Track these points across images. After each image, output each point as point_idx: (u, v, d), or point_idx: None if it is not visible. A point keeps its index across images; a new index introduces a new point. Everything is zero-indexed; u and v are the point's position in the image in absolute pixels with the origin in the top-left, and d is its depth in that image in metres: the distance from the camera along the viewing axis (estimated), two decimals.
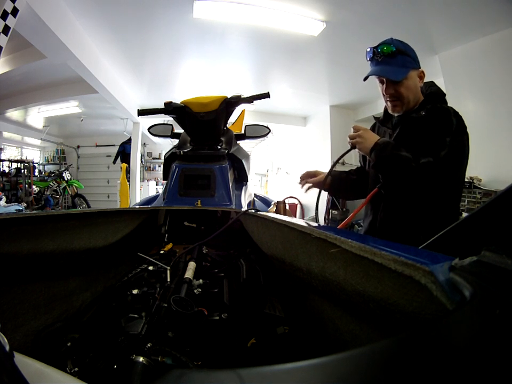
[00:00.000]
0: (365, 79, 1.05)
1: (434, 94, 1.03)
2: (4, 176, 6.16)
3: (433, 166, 0.87)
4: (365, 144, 0.97)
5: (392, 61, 0.97)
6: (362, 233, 1.17)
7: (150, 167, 8.37)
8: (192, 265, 0.74)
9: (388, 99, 1.03)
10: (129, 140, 6.23)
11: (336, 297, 0.43)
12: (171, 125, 1.41)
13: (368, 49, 1.02)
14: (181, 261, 0.80)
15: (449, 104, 1.02)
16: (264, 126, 1.43)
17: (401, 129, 1.03)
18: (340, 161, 1.16)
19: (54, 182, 6.70)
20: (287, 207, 1.24)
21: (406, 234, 0.95)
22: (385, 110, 1.12)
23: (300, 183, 1.21)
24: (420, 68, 1.02)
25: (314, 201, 1.19)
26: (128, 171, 5.54)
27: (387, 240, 0.43)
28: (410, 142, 0.97)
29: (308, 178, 1.19)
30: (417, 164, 0.87)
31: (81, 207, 6.62)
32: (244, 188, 1.24)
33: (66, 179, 6.67)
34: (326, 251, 0.43)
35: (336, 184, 1.21)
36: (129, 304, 0.62)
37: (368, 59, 1.03)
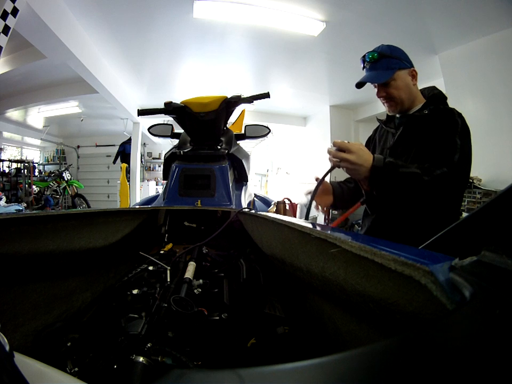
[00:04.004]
0: (357, 86, 1.07)
1: (436, 96, 1.04)
2: (4, 176, 6.16)
3: (449, 176, 0.84)
4: (358, 170, 0.84)
5: (377, 65, 1.00)
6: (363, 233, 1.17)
7: (150, 167, 8.37)
8: (192, 265, 0.74)
9: (382, 101, 1.06)
10: (129, 140, 6.23)
11: (336, 297, 0.43)
12: (171, 125, 1.41)
13: (360, 60, 1.06)
14: (181, 261, 0.80)
15: (449, 104, 1.02)
16: (264, 126, 1.43)
17: (404, 128, 1.03)
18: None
19: (54, 182, 6.69)
20: (287, 207, 1.24)
21: (410, 235, 0.94)
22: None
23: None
24: (410, 67, 1.02)
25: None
26: (128, 171, 5.54)
27: (387, 240, 0.43)
28: (414, 140, 0.96)
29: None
30: (431, 176, 0.83)
31: (81, 207, 6.62)
32: (244, 187, 1.24)
33: (66, 179, 6.67)
34: (326, 251, 0.43)
35: (339, 198, 1.13)
36: (129, 304, 0.62)
37: (362, 69, 1.06)
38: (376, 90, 1.05)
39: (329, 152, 0.87)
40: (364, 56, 1.04)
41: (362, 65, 1.06)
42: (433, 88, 1.09)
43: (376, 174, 0.82)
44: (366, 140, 1.28)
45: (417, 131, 0.98)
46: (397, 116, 1.07)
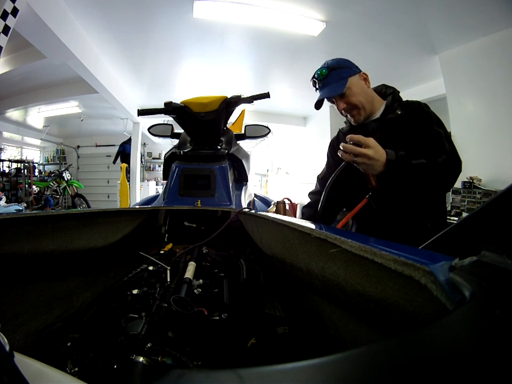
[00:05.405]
0: (316, 107, 1.06)
1: (394, 93, 1.05)
2: (4, 176, 6.16)
3: (449, 162, 0.86)
4: (374, 166, 0.80)
5: (329, 80, 1.00)
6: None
7: (150, 167, 8.37)
8: (192, 265, 0.74)
9: (345, 114, 1.05)
10: (129, 140, 6.23)
11: (336, 297, 0.43)
12: (171, 125, 1.41)
13: (311, 82, 1.05)
14: (181, 261, 0.80)
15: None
16: (264, 126, 1.43)
17: (382, 133, 0.98)
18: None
19: (54, 182, 6.70)
20: (287, 207, 1.24)
21: (409, 228, 0.93)
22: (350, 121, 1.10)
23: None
24: (359, 71, 1.03)
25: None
26: (128, 171, 5.55)
27: (387, 240, 0.43)
28: (395, 141, 0.93)
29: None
30: (436, 164, 0.84)
31: (81, 207, 6.61)
32: (244, 188, 1.24)
33: (66, 179, 6.67)
34: (326, 251, 0.43)
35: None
36: (129, 304, 0.62)
37: (315, 90, 1.06)
38: (335, 106, 1.04)
39: (344, 147, 0.82)
40: (313, 77, 1.03)
41: (314, 87, 1.05)
42: (385, 85, 1.09)
43: (392, 168, 0.81)
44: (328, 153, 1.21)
45: (397, 132, 0.96)
46: (369, 121, 1.04)
